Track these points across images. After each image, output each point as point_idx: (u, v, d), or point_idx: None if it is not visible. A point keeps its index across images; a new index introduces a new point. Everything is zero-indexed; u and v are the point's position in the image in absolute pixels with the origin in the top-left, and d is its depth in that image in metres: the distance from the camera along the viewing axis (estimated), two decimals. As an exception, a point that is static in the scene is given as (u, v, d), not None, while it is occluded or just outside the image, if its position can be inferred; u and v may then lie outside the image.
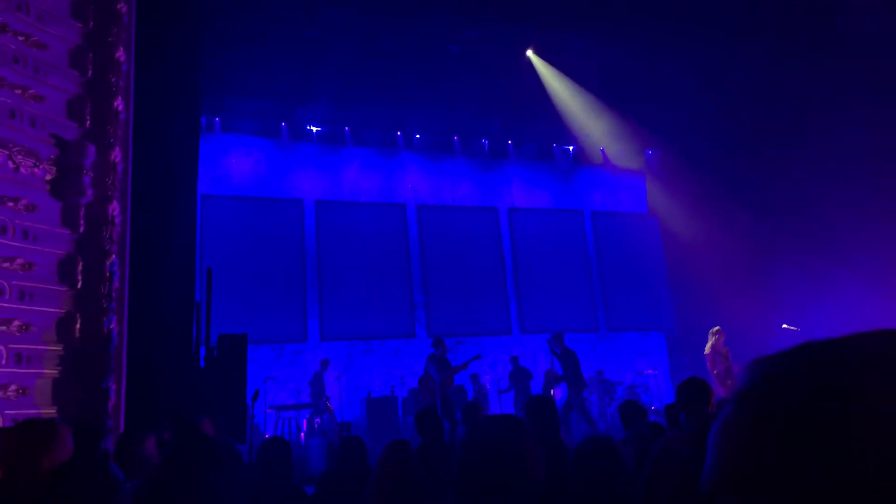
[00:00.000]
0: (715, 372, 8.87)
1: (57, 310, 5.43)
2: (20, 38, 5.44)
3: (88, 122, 5.80)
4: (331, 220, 13.25)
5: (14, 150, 5.27)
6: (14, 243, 5.22)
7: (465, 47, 11.49)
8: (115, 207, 5.77)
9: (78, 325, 5.50)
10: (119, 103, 5.94)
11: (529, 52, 12.62)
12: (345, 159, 13.67)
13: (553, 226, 15.07)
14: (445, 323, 13.05)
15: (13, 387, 5.06)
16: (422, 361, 10.61)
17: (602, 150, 15.47)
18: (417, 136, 14.16)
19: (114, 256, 5.69)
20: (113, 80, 5.87)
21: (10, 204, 5.25)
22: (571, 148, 15.47)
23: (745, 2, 10.60)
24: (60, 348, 5.38)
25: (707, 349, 9.13)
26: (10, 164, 5.24)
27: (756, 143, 13.30)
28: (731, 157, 13.75)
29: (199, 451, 1.41)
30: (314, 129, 13.40)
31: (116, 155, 5.88)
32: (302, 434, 9.90)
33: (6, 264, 5.16)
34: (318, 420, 9.95)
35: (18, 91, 5.41)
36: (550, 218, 15.13)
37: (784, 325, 8.85)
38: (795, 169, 12.42)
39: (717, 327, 9.30)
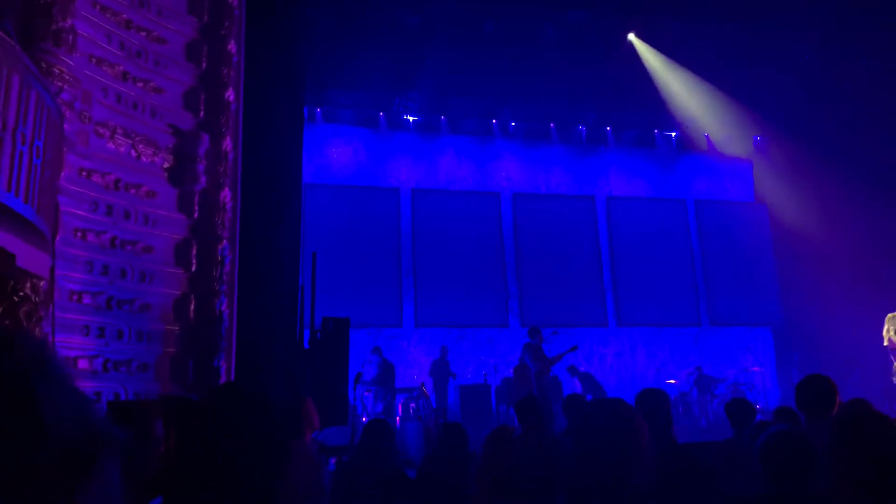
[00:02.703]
0: None
1: (173, 291, 5.74)
2: (142, 34, 5.76)
3: (202, 113, 6.07)
4: (426, 208, 13.38)
5: (136, 139, 5.59)
6: (136, 227, 5.56)
7: (565, 32, 11.25)
8: (226, 194, 6.03)
9: (192, 307, 5.80)
10: (230, 94, 6.19)
11: (631, 36, 12.22)
12: (440, 148, 13.75)
13: (653, 215, 14.58)
14: (539, 313, 12.92)
15: (136, 363, 5.39)
16: (515, 351, 10.55)
17: (707, 137, 14.79)
18: (513, 123, 14.04)
19: (225, 241, 5.95)
20: (225, 71, 6.12)
21: (133, 191, 5.59)
22: (674, 134, 14.90)
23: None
24: (177, 328, 5.69)
25: (886, 339, 8.44)
26: (133, 153, 5.57)
27: (874, 127, 12.33)
28: (846, 142, 12.81)
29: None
30: (411, 118, 13.55)
31: (227, 144, 6.13)
32: (397, 418, 10.08)
33: (129, 247, 5.50)
34: (412, 405, 10.09)
35: (140, 84, 5.73)
36: (650, 207, 14.64)
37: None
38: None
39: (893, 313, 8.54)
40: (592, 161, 14.56)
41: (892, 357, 8.18)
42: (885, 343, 8.29)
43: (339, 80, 12.10)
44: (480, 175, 13.91)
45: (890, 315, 8.46)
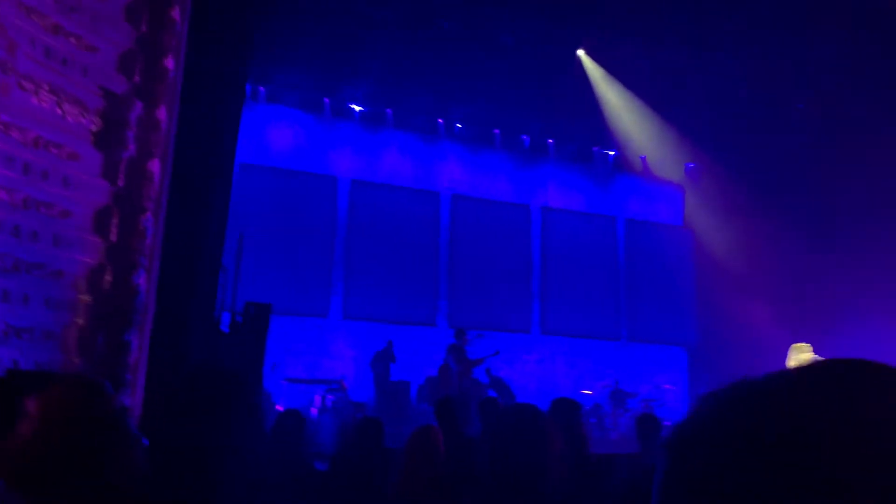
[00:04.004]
0: None
1: (89, 260, 5.48)
2: (80, -12, 5.48)
3: (138, 78, 5.82)
4: (364, 200, 13.26)
5: (63, 97, 5.31)
6: (54, 190, 5.28)
7: (518, 40, 11.36)
8: (155, 165, 5.80)
9: (108, 278, 5.55)
10: (169, 62, 5.95)
11: (580, 52, 12.44)
12: (384, 141, 13.65)
13: (585, 229, 14.91)
14: (467, 314, 12.99)
15: (39, 331, 5.12)
16: (440, 350, 10.60)
17: (643, 159, 15.23)
18: (459, 125, 14.07)
19: (149, 213, 5.72)
20: (166, 38, 5.88)
21: (55, 151, 5.30)
22: (612, 153, 15.27)
23: (803, 16, 10.30)
24: (89, 298, 5.43)
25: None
26: (59, 111, 5.29)
27: (802, 164, 12.99)
28: (773, 177, 13.45)
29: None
30: (357, 108, 13.40)
31: (162, 113, 5.90)
32: (314, 410, 9.95)
33: (44, 210, 5.21)
34: (330, 398, 9.98)
35: (73, 40, 5.44)
36: (583, 221, 14.96)
37: (815, 357, 8.58)
38: (841, 193, 12.11)
39: (803, 343, 8.81)
40: (532, 171, 14.76)
41: None
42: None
43: (287, 60, 11.84)
44: (422, 173, 13.89)
45: (794, 346, 8.81)
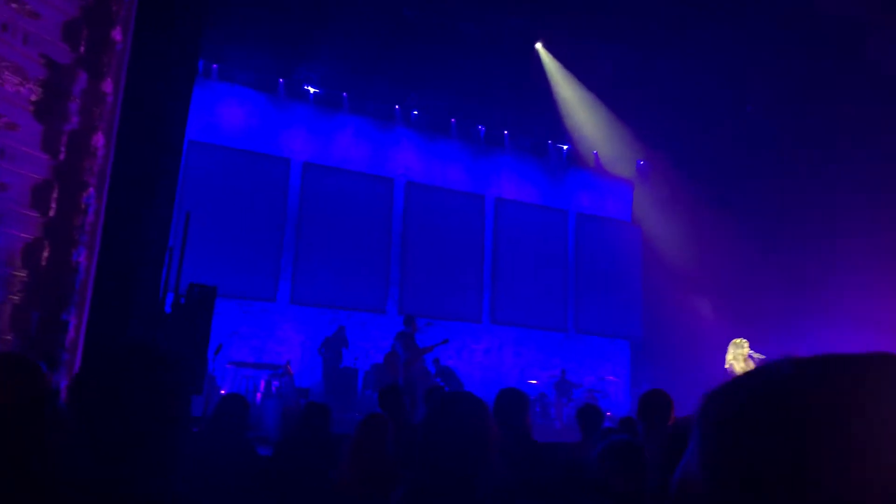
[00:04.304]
0: None
1: (25, 235, 5.27)
2: (22, -50, 5.23)
3: (83, 48, 5.60)
4: (316, 184, 13.10)
5: (2, 64, 5.08)
6: (-11, 160, 5.05)
7: (478, 30, 11.36)
8: (99, 139, 5.60)
9: (45, 254, 5.35)
10: (117, 33, 5.75)
11: (538, 45, 12.52)
12: (338, 125, 13.50)
13: (537, 222, 15.07)
14: (417, 302, 13.01)
15: (-30, 307, 4.91)
16: (388, 338, 10.59)
17: (595, 154, 15.46)
18: (415, 112, 14.02)
19: (91, 189, 5.53)
20: (114, 8, 5.67)
21: (-9, 120, 5.07)
22: (566, 147, 15.45)
23: (754, 20, 10.59)
24: (24, 274, 5.23)
25: (727, 363, 8.92)
26: (-4, 79, 5.05)
27: (749, 164, 13.39)
28: (721, 176, 13.83)
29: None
30: (312, 89, 13.20)
31: (108, 86, 5.70)
32: (258, 394, 9.83)
33: (-22, 181, 4.99)
34: (276, 383, 9.87)
35: (14, 5, 5.20)
36: (535, 214, 15.12)
37: (751, 353, 8.88)
38: (786, 194, 12.52)
39: (741, 339, 9.04)
40: (487, 161, 14.82)
41: None
42: (726, 366, 8.92)
43: (242, 37, 11.56)
44: (377, 158, 13.80)
45: (734, 341, 9.09)
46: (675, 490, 0.60)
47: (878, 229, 10.95)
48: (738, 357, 8.84)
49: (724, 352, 9.22)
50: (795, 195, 12.36)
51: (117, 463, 1.14)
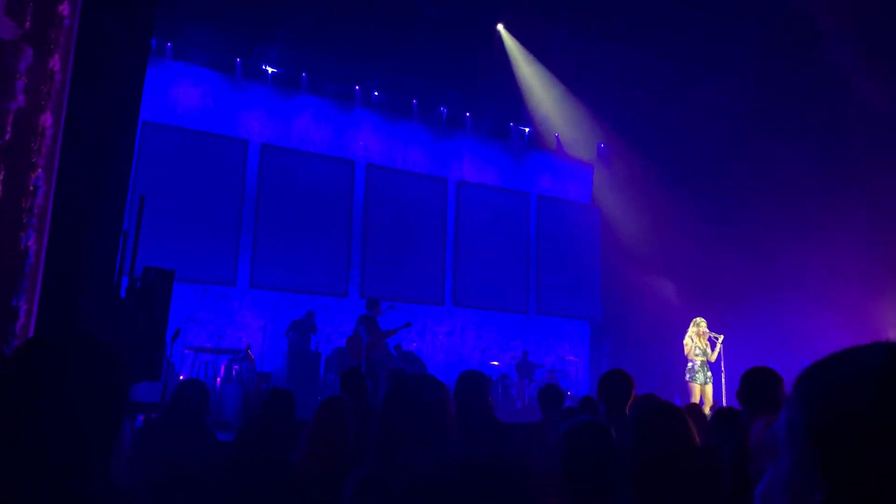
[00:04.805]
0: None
1: (-30, 218, 5.07)
2: (-39, -81, 4.98)
3: (28, 23, 5.38)
4: (275, 166, 12.89)
5: (-59, 39, 4.85)
6: (-70, 140, 4.83)
7: (439, 11, 11.25)
8: (47, 119, 5.40)
9: (-8, 238, 5.16)
10: (64, 8, 5.53)
11: (500, 27, 12.49)
12: (298, 106, 13.28)
13: (499, 204, 15.12)
14: (380, 286, 12.96)
15: (-88, 293, 4.72)
16: (350, 321, 10.53)
17: (557, 137, 15.55)
18: (376, 93, 13.86)
19: (40, 170, 5.34)
20: (61, -19, 5.45)
21: (-70, 97, 4.85)
22: (527, 130, 15.49)
23: (719, 13, 10.74)
24: (-30, 259, 5.04)
25: (686, 341, 9.09)
26: (-65, 55, 4.83)
27: (706, 149, 13.62)
28: (678, 160, 14.05)
29: None
30: (270, 69, 12.94)
31: (55, 63, 5.49)
32: (218, 379, 9.71)
33: (-82, 162, 4.77)
34: (236, 367, 9.76)
35: (-47, -24, 4.96)
36: (497, 196, 15.16)
37: (706, 331, 9.10)
38: (743, 178, 12.78)
39: (699, 318, 9.23)
40: (449, 144, 14.78)
41: (688, 359, 9.07)
42: (685, 344, 9.16)
43: (197, 15, 11.26)
44: (337, 140, 13.63)
45: (694, 319, 9.33)
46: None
47: (833, 210, 11.28)
48: (695, 335, 9.08)
49: (681, 331, 9.44)
50: (752, 177, 12.63)
51: (44, 458, 1.09)
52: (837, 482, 0.55)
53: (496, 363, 13.19)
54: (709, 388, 8.91)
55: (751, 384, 3.13)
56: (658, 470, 2.21)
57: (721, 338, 9.13)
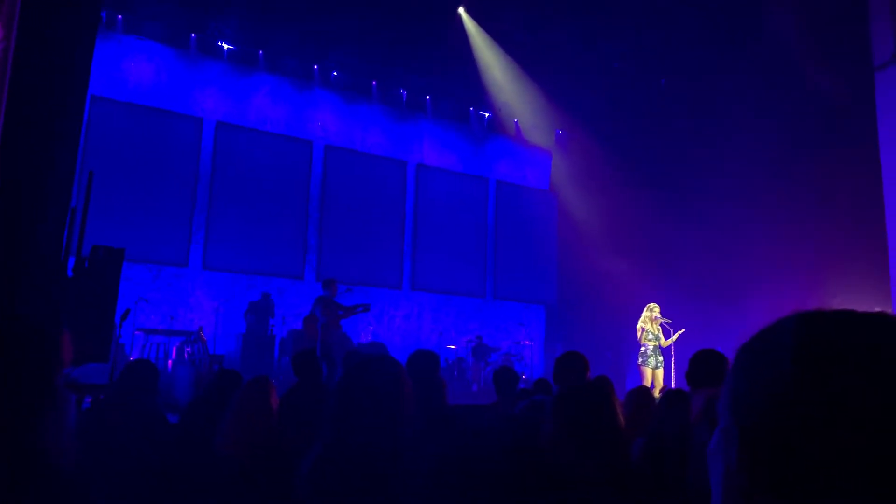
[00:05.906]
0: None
1: None
2: None
3: (-32, -11, 5.14)
4: (230, 144, 12.65)
5: None
6: None
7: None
8: (-11, 90, 5.19)
9: (-71, 213, 4.97)
10: (8, -26, 5.30)
11: (461, 10, 12.44)
12: (254, 84, 13.03)
13: (457, 189, 15.13)
14: (337, 269, 12.85)
15: None
16: (306, 305, 10.45)
17: (516, 123, 15.61)
18: (335, 73, 13.68)
19: (-18, 143, 5.14)
20: (3, -54, 5.22)
21: None
22: (487, 115, 15.51)
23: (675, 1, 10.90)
24: None
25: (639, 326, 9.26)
26: None
27: (662, 136, 13.84)
28: (634, 148, 14.26)
29: None
30: (226, 46, 12.65)
31: (-2, 32, 5.27)
32: (170, 361, 9.55)
33: None
34: (188, 349, 9.62)
35: None
36: (456, 181, 15.17)
37: (658, 316, 9.31)
38: (698, 165, 13.01)
39: (652, 303, 9.41)
40: (408, 127, 14.70)
41: (640, 344, 9.28)
42: (637, 329, 9.36)
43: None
44: (294, 120, 13.43)
45: (649, 305, 9.54)
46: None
47: (787, 197, 11.57)
48: (647, 320, 9.29)
49: (634, 316, 9.65)
50: (706, 165, 12.87)
51: None
52: (754, 460, 0.59)
53: (453, 346, 13.27)
54: (660, 373, 9.14)
55: (697, 364, 3.22)
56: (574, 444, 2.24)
57: (681, 332, 9.34)
